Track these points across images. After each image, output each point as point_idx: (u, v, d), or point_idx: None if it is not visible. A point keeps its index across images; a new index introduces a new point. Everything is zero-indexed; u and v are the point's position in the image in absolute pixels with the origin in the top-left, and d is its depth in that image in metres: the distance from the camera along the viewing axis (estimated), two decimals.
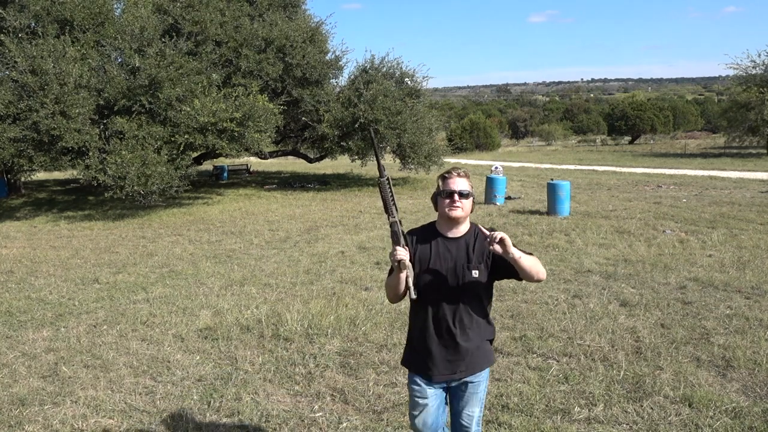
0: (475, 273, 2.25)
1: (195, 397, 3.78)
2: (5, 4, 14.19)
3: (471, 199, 2.27)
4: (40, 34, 13.18)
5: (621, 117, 48.38)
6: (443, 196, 2.25)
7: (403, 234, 2.21)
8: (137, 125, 12.78)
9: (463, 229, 2.30)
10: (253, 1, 17.49)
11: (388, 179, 2.20)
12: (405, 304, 5.62)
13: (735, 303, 5.32)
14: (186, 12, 15.21)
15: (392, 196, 2.22)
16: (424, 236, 2.33)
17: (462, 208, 2.23)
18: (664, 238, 8.44)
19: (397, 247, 2.16)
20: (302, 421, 3.46)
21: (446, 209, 2.23)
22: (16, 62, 12.44)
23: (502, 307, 5.40)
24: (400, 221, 2.22)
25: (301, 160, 23.20)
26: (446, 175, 2.27)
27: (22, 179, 17.74)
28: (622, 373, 3.91)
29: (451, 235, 2.29)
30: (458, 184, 2.24)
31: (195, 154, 16.29)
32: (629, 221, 9.91)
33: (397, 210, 2.23)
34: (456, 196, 2.22)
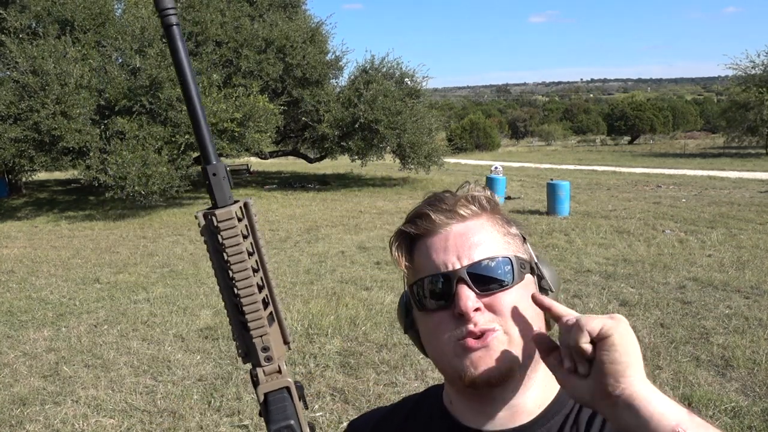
0: None
1: (195, 397, 3.79)
2: (6, 4, 14.21)
3: (522, 281, 0.69)
4: (41, 34, 13.20)
5: (620, 117, 48.42)
6: (419, 299, 0.71)
7: None
8: (138, 125, 12.80)
9: (529, 403, 0.70)
10: (253, 2, 17.50)
11: (245, 207, 0.63)
12: None
13: (734, 303, 5.33)
14: (186, 12, 15.23)
15: (261, 268, 0.61)
16: None
17: (500, 336, 0.66)
18: (663, 238, 8.45)
19: None
20: None
21: (451, 357, 0.67)
22: (17, 63, 12.46)
23: None
24: (302, 394, 0.63)
25: (301, 160, 23.21)
26: (418, 218, 0.72)
27: (23, 179, 17.75)
28: None
29: (490, 427, 0.70)
30: (459, 243, 0.69)
31: (195, 154, 16.30)
32: (629, 221, 9.93)
33: (286, 333, 0.64)
34: (463, 297, 0.65)
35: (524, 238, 0.75)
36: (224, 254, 0.57)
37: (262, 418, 0.62)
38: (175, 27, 0.56)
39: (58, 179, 22.18)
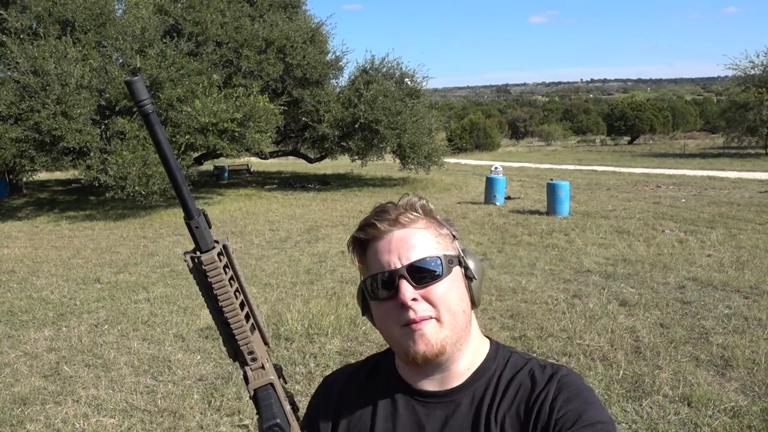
0: None
1: (196, 397, 3.80)
2: (7, 5, 14.21)
3: (450, 274, 0.87)
4: (42, 34, 13.21)
5: (620, 117, 48.40)
6: (370, 292, 0.89)
7: (290, 409, 0.84)
8: (138, 125, 12.80)
9: (460, 367, 0.91)
10: (253, 2, 17.51)
11: (224, 248, 0.73)
12: None
13: (734, 302, 5.34)
14: (187, 12, 15.24)
15: (241, 292, 0.76)
16: (364, 392, 0.98)
17: (434, 322, 0.85)
18: (663, 238, 8.46)
19: None
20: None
21: (398, 338, 0.87)
22: (17, 63, 12.47)
23: (502, 307, 5.42)
24: (281, 374, 0.82)
25: (302, 160, 23.22)
26: (368, 227, 0.90)
27: (24, 179, 17.77)
28: (621, 372, 3.93)
29: (430, 387, 0.92)
30: (400, 245, 0.87)
31: (196, 155, 16.32)
32: (629, 221, 9.93)
33: (266, 337, 0.81)
34: (404, 291, 0.84)
35: (454, 236, 0.92)
36: (212, 288, 0.71)
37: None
38: (151, 114, 0.67)
39: (59, 179, 22.19)
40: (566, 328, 4.81)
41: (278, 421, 0.75)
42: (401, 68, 18.09)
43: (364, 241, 0.90)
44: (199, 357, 4.48)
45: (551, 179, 12.63)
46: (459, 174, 21.87)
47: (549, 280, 6.35)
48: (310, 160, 21.42)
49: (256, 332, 0.77)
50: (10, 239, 10.62)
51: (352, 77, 17.80)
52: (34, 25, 14.07)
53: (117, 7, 15.83)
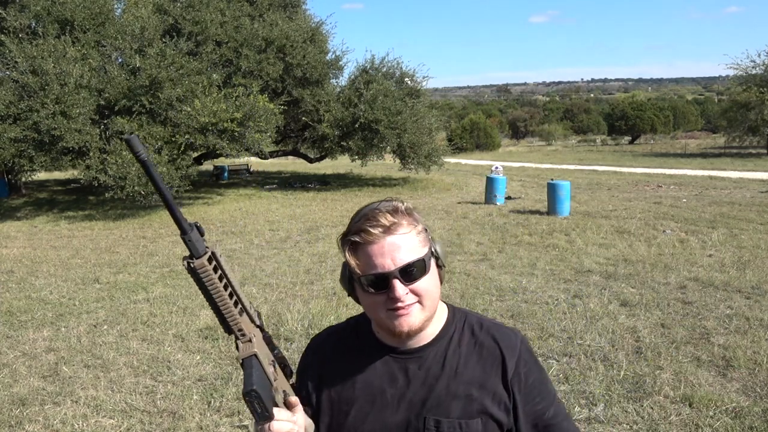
0: (476, 426, 1.06)
1: (195, 397, 3.79)
2: (6, 4, 14.20)
3: (430, 270, 1.05)
4: (41, 34, 13.19)
5: (621, 117, 48.34)
6: (366, 287, 1.04)
7: (280, 370, 1.05)
8: (138, 125, 12.79)
9: (428, 332, 1.10)
10: (253, 1, 17.49)
11: (213, 254, 0.90)
12: None
13: (735, 303, 5.32)
14: (186, 12, 15.22)
15: (229, 285, 0.93)
16: (347, 350, 1.15)
17: (418, 307, 1.05)
18: (664, 238, 8.44)
19: (268, 425, 0.96)
20: None
21: (384, 318, 1.05)
22: (16, 62, 12.46)
23: (502, 307, 5.40)
24: (270, 342, 1.02)
25: (302, 160, 23.20)
26: (362, 232, 1.02)
27: (23, 179, 17.74)
28: (622, 372, 3.91)
29: (402, 347, 1.11)
30: (391, 249, 1.02)
31: (195, 154, 16.30)
32: (629, 221, 9.91)
33: (253, 317, 0.99)
34: (397, 289, 1.01)
35: (426, 230, 1.09)
36: (205, 285, 0.91)
37: None
38: (147, 161, 0.85)
39: (58, 179, 22.17)
40: (567, 328, 4.80)
41: (254, 387, 0.91)
42: (401, 68, 18.08)
43: (358, 243, 1.04)
44: (198, 357, 4.46)
45: (552, 179, 12.61)
46: (459, 174, 21.85)
47: (549, 281, 6.34)
48: (310, 160, 21.40)
49: (245, 315, 0.98)
50: (8, 239, 10.61)
51: (352, 77, 17.78)
52: (33, 25, 14.06)
53: (116, 6, 15.83)
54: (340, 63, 18.23)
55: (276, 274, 7.07)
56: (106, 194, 12.64)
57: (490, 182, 13.11)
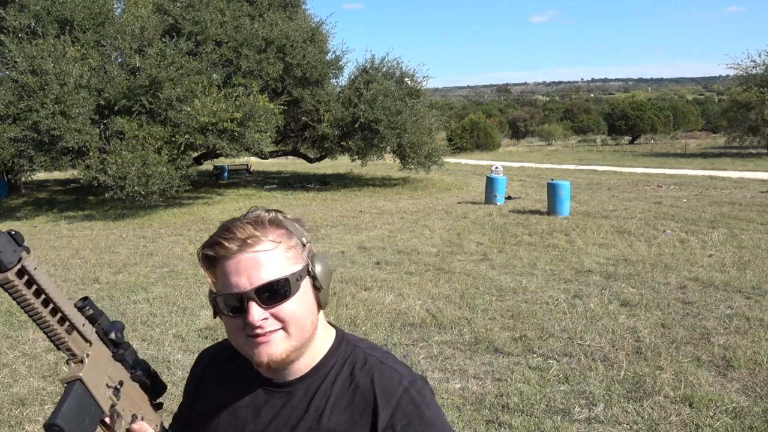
0: None
1: None
2: (5, 4, 14.20)
3: (298, 292, 0.90)
4: (40, 34, 13.19)
5: (621, 117, 48.35)
6: (221, 308, 0.92)
7: (139, 391, 0.97)
8: (137, 125, 12.79)
9: (300, 365, 0.96)
10: (253, 1, 17.49)
11: (23, 267, 0.78)
12: (405, 303, 5.64)
13: (735, 303, 5.32)
14: (186, 12, 15.22)
15: (50, 301, 0.83)
16: (223, 374, 1.05)
17: (281, 335, 0.90)
18: (664, 238, 8.44)
19: None
20: None
21: (243, 346, 0.92)
22: (16, 62, 12.45)
23: (503, 307, 5.40)
24: (125, 360, 0.93)
25: (301, 160, 23.20)
26: (216, 245, 0.89)
27: (23, 179, 17.74)
28: (622, 373, 3.91)
29: (273, 378, 0.97)
30: (248, 266, 0.88)
31: (195, 154, 16.30)
32: (629, 221, 9.91)
33: (85, 335, 0.86)
34: (252, 312, 0.87)
35: (304, 244, 0.93)
36: (19, 302, 0.80)
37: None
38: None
39: (58, 179, 22.17)
40: (567, 328, 4.79)
41: (57, 421, 0.77)
42: (401, 68, 18.08)
43: (213, 258, 0.90)
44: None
45: (552, 179, 12.61)
46: (459, 174, 21.85)
47: (549, 281, 6.33)
48: (310, 160, 21.40)
49: (75, 333, 0.84)
50: None
51: (352, 77, 17.78)
52: (33, 24, 14.06)
53: (116, 6, 15.82)
54: (340, 63, 18.24)
55: None
56: (106, 194, 12.64)
57: (490, 182, 13.11)
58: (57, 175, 22.17)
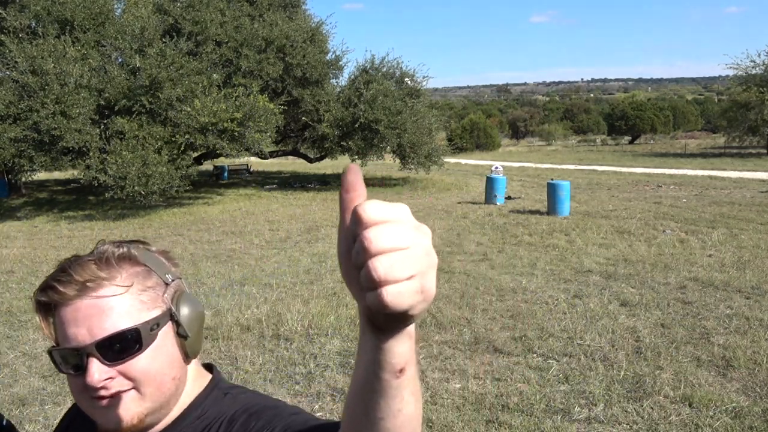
0: None
1: None
2: (6, 4, 14.21)
3: (152, 344, 0.76)
4: (41, 34, 13.19)
5: (621, 117, 48.35)
6: (59, 365, 0.76)
7: None
8: (138, 125, 12.79)
9: (159, 426, 0.82)
10: (253, 1, 17.50)
11: None
12: None
13: (735, 303, 5.32)
14: (186, 12, 15.22)
15: None
16: (79, 423, 0.89)
17: (133, 395, 0.76)
18: (664, 238, 8.44)
19: None
20: None
21: (88, 408, 0.77)
22: (16, 62, 12.46)
23: (502, 307, 5.41)
24: None
25: (301, 160, 23.20)
26: (50, 289, 0.75)
27: (23, 179, 17.74)
28: (622, 372, 3.91)
29: None
30: (89, 315, 0.74)
31: (195, 154, 16.30)
32: (629, 221, 9.92)
33: None
34: (92, 371, 0.72)
35: (166, 283, 0.79)
36: None
37: None
38: None
39: (58, 179, 22.17)
40: (567, 328, 4.80)
41: None
42: (401, 68, 18.08)
43: (47, 305, 0.76)
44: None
45: (552, 179, 12.62)
46: (459, 174, 21.86)
47: (549, 280, 6.34)
48: (310, 160, 21.40)
49: None
50: (8, 239, 10.61)
51: (352, 77, 17.78)
52: (33, 24, 14.06)
53: (116, 6, 15.83)
54: (340, 63, 18.24)
55: (276, 274, 7.07)
56: (106, 194, 12.64)
57: (490, 182, 13.12)
58: (57, 175, 22.17)
